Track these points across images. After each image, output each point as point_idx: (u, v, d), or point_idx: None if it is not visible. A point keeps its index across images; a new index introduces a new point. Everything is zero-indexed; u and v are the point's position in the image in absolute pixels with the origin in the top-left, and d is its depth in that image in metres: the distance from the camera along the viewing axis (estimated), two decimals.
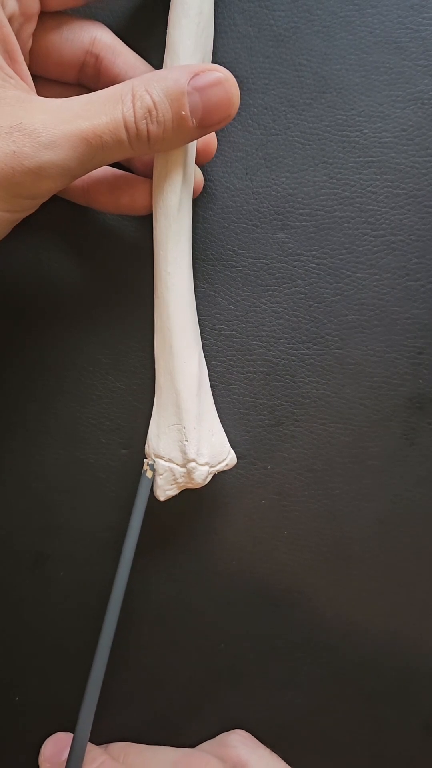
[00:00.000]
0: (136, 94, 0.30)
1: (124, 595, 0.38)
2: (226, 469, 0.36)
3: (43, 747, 0.38)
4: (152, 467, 0.36)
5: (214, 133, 0.37)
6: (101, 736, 0.40)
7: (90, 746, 0.37)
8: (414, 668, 0.40)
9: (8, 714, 0.41)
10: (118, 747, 0.39)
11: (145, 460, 0.36)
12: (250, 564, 0.40)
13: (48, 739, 0.38)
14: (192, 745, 0.40)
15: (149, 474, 0.36)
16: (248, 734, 0.40)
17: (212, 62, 0.37)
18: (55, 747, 0.38)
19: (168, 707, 0.41)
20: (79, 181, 0.36)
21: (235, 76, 0.34)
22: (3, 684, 0.41)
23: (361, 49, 0.38)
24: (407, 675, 0.40)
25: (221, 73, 0.31)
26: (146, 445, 0.36)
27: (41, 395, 0.40)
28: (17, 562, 0.40)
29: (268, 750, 0.39)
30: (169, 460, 0.35)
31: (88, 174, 0.35)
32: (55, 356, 0.40)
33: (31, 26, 0.33)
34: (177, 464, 0.35)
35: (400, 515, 0.40)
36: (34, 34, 0.34)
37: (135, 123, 0.30)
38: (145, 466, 0.36)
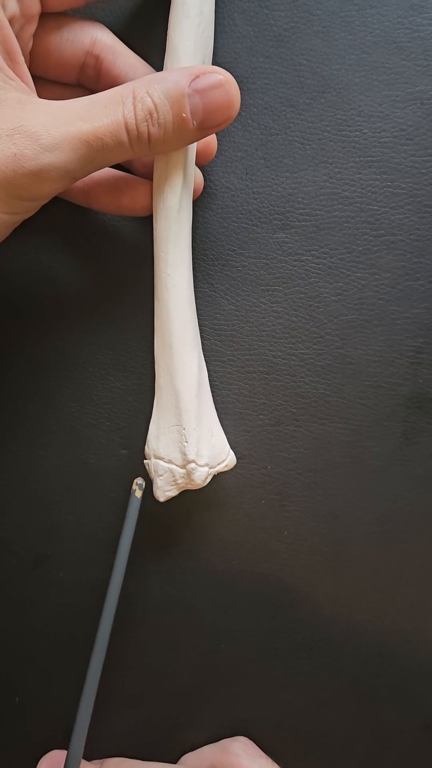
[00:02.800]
0: (136, 96, 0.30)
1: (124, 595, 0.38)
2: (225, 470, 0.36)
3: (38, 765, 0.38)
4: (141, 487, 0.36)
5: (214, 135, 0.37)
6: (101, 736, 0.40)
7: (84, 763, 0.37)
8: (414, 668, 0.40)
9: (8, 714, 0.41)
10: (113, 763, 0.39)
11: (135, 480, 0.36)
12: (250, 564, 0.40)
13: (43, 757, 0.38)
14: (192, 746, 0.40)
15: (138, 494, 0.36)
16: (251, 742, 0.39)
17: (212, 63, 0.37)
18: (50, 765, 0.37)
19: (168, 707, 0.41)
20: (79, 183, 0.36)
21: (235, 77, 0.34)
22: (3, 684, 0.41)
23: (360, 49, 0.38)
24: (407, 675, 0.40)
25: (222, 75, 0.31)
26: (146, 445, 0.36)
27: (41, 395, 0.40)
28: (17, 562, 0.40)
29: (270, 760, 0.39)
30: (169, 461, 0.35)
31: (88, 175, 0.35)
32: (55, 356, 0.40)
33: (32, 27, 0.33)
34: (177, 465, 0.35)
35: (400, 515, 0.40)
36: (35, 35, 0.34)
37: (136, 125, 0.30)
38: (134, 486, 0.36)
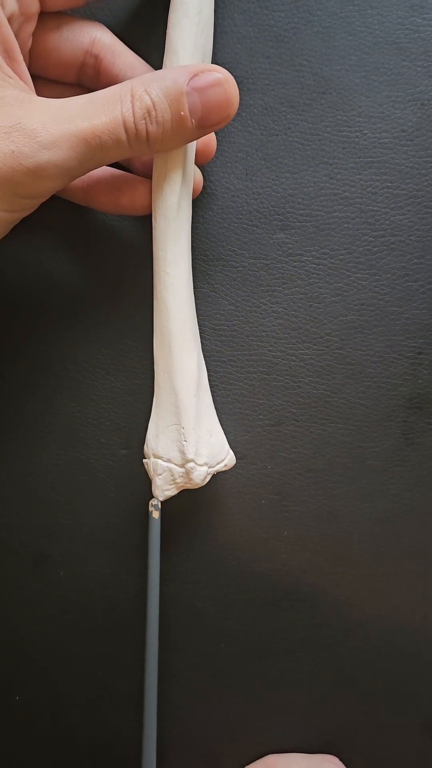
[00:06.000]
0: (135, 94, 0.30)
1: (124, 595, 0.38)
2: (225, 469, 0.36)
3: None
4: (157, 507, 0.36)
5: (213, 134, 0.37)
6: (101, 735, 0.40)
7: None
8: (414, 668, 0.40)
9: (8, 714, 0.41)
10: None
11: (150, 501, 0.36)
12: (250, 564, 0.40)
13: None
14: (190, 745, 0.40)
15: (155, 514, 0.36)
16: (343, 766, 0.39)
17: (212, 62, 0.37)
18: None
19: (167, 707, 0.41)
20: (78, 181, 0.36)
21: (235, 77, 0.34)
22: (3, 684, 0.41)
23: (361, 49, 0.38)
24: (407, 674, 0.40)
25: (220, 73, 0.31)
26: (145, 445, 0.36)
27: (41, 395, 0.40)
28: (17, 562, 0.40)
29: None
30: (168, 461, 0.35)
31: (87, 174, 0.35)
32: (55, 356, 0.40)
33: (31, 26, 0.33)
34: (176, 464, 0.35)
35: (400, 515, 0.40)
36: (34, 34, 0.34)
37: (134, 123, 0.30)
38: (150, 507, 0.36)
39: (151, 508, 0.36)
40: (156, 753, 0.35)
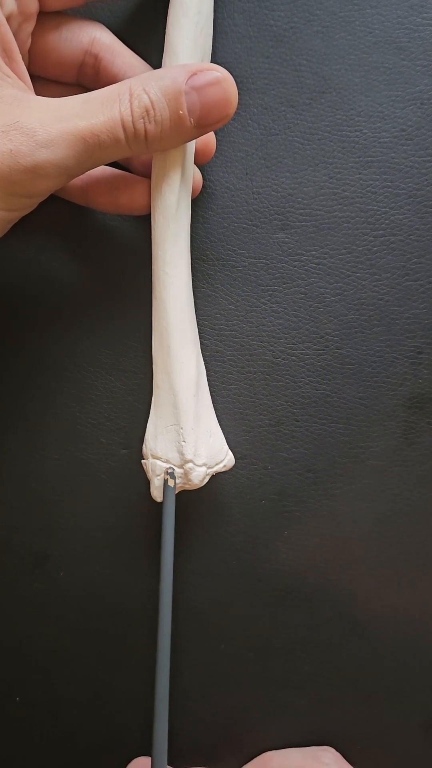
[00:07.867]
0: (133, 93, 0.30)
1: (123, 596, 0.38)
2: (224, 470, 0.36)
3: None
4: (172, 475, 0.35)
5: (213, 133, 0.37)
6: (101, 736, 0.40)
7: None
8: (413, 668, 0.40)
9: (8, 714, 0.41)
10: None
11: (165, 469, 0.36)
12: (250, 564, 0.40)
13: (129, 764, 0.38)
14: (189, 744, 0.40)
15: (171, 482, 0.35)
16: (339, 755, 0.39)
17: (211, 62, 0.37)
18: None
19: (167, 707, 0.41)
20: (77, 181, 0.36)
21: (235, 76, 0.34)
22: (3, 684, 0.41)
23: (360, 49, 0.38)
24: (407, 675, 0.40)
25: (219, 72, 0.31)
26: (144, 445, 0.36)
27: (41, 395, 0.40)
28: (17, 562, 0.40)
29: None
30: (167, 461, 0.35)
31: (86, 174, 0.35)
32: (55, 356, 0.40)
33: (30, 26, 0.33)
34: (174, 465, 0.35)
35: (400, 515, 0.39)
36: (33, 34, 0.34)
37: (132, 122, 0.30)
38: (165, 475, 0.35)
39: (166, 476, 0.35)
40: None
